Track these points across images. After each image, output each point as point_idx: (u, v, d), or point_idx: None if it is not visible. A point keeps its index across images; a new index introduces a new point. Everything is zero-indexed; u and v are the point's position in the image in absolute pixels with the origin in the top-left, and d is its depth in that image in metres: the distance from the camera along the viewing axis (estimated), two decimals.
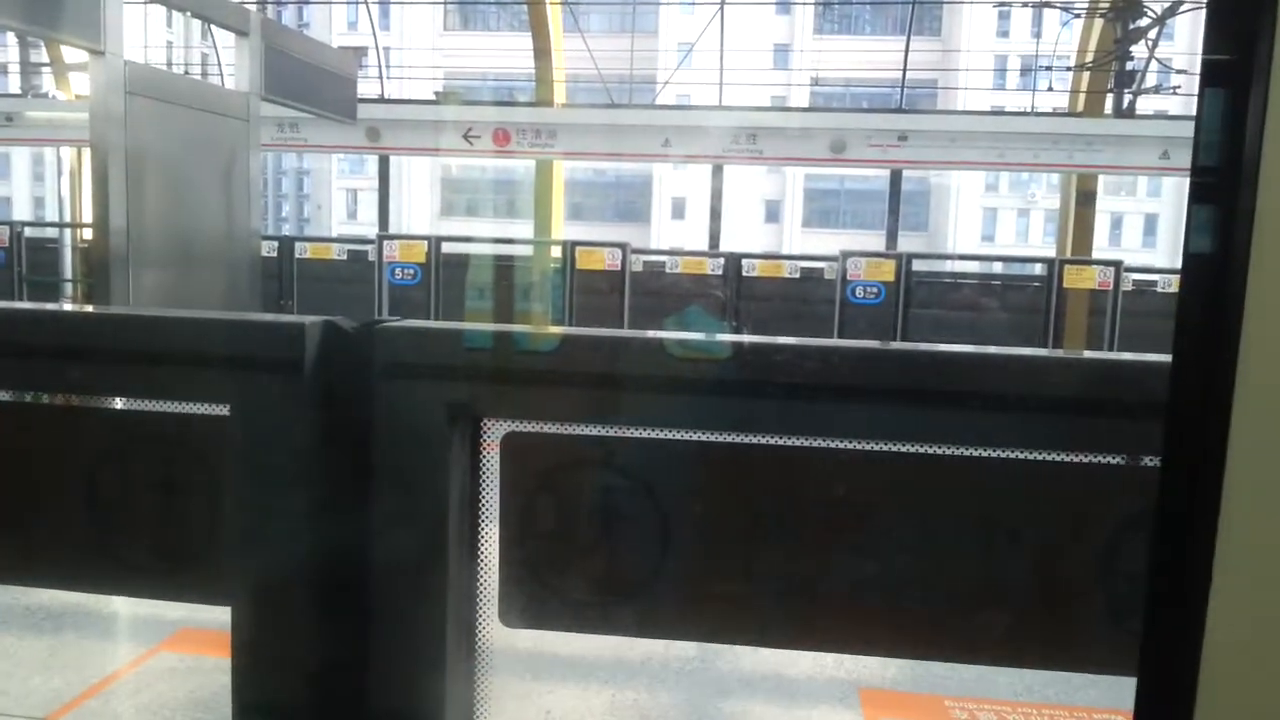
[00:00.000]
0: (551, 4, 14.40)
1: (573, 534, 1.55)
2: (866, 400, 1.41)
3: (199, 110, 5.86)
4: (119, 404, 1.70)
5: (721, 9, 14.70)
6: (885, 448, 1.41)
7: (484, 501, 1.53)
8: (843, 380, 1.43)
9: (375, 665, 1.52)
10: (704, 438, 1.47)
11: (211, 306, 6.27)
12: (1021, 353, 1.57)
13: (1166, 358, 1.08)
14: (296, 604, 1.54)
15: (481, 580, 1.54)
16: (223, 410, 1.52)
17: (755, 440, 1.45)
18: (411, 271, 13.65)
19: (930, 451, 1.40)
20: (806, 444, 1.43)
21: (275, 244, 14.42)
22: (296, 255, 14.28)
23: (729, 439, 1.46)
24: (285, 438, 1.50)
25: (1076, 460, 1.39)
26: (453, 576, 1.50)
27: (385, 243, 13.80)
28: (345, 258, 14.59)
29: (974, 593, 1.46)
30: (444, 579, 1.49)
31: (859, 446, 1.42)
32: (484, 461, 1.52)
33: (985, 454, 1.39)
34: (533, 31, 14.62)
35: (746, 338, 1.54)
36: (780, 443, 1.44)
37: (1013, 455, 1.38)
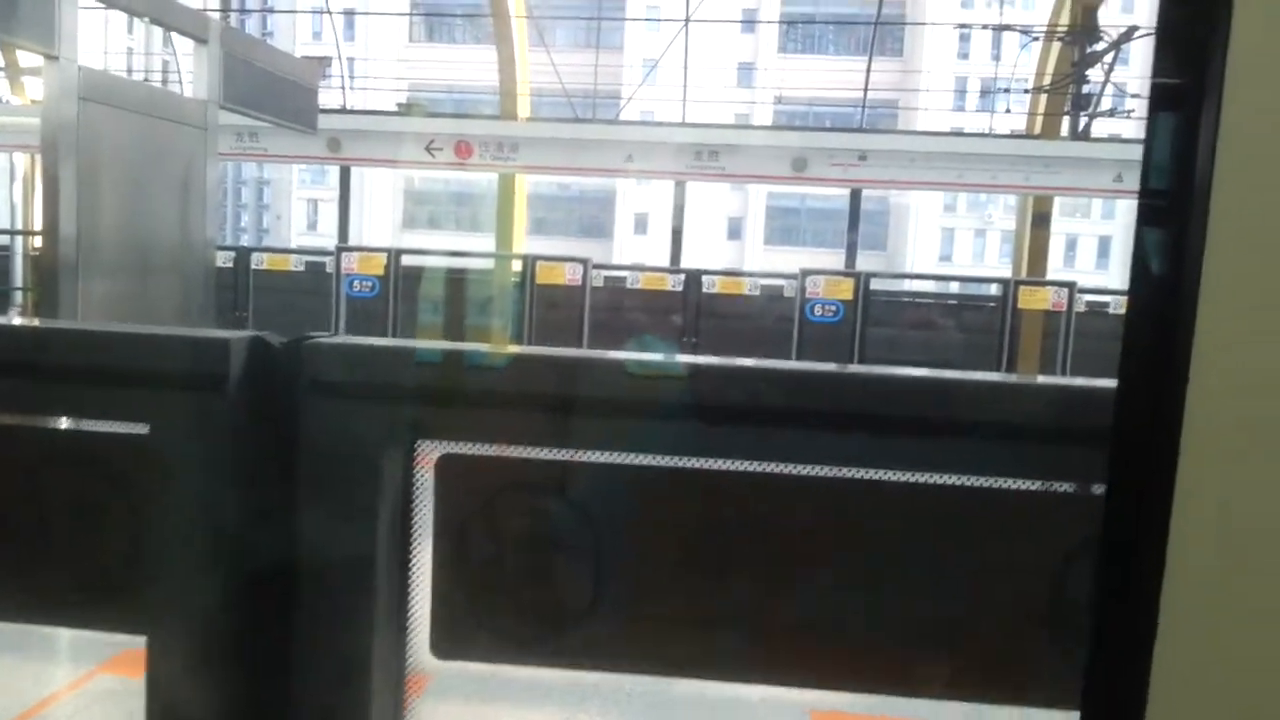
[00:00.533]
0: (517, 18, 14.39)
1: (512, 562, 1.48)
2: (827, 425, 1.37)
3: (155, 117, 5.77)
4: (29, 423, 1.62)
5: (686, 26, 14.78)
6: (843, 474, 1.38)
7: (417, 527, 1.46)
8: (802, 404, 1.39)
9: (297, 699, 1.45)
10: (652, 462, 1.41)
11: (164, 316, 6.16)
12: (973, 377, 1.52)
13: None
14: (215, 634, 1.47)
15: (414, 610, 1.47)
16: (141, 430, 1.44)
17: (703, 465, 1.39)
18: (370, 284, 13.53)
19: (886, 478, 1.38)
20: (758, 470, 1.38)
21: (232, 254, 14.24)
22: (253, 266, 14.10)
23: (677, 464, 1.41)
24: (207, 458, 1.43)
25: (1028, 488, 1.38)
26: (382, 605, 1.43)
27: (344, 255, 13.68)
28: (303, 269, 14.44)
29: (923, 625, 1.44)
30: (373, 608, 1.42)
31: (816, 473, 1.38)
32: (418, 485, 1.45)
33: (939, 480, 1.36)
34: (498, 45, 14.61)
35: (699, 359, 1.48)
36: (730, 468, 1.38)
37: (963, 482, 1.36)
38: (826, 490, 1.40)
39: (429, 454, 1.43)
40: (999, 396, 1.46)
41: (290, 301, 14.06)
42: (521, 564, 1.47)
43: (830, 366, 1.42)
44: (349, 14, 44.21)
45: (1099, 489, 1.31)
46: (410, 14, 46.21)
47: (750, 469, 1.38)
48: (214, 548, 1.44)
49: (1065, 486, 1.34)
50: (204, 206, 6.34)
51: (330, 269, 13.70)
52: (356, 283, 13.58)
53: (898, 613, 1.42)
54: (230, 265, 13.95)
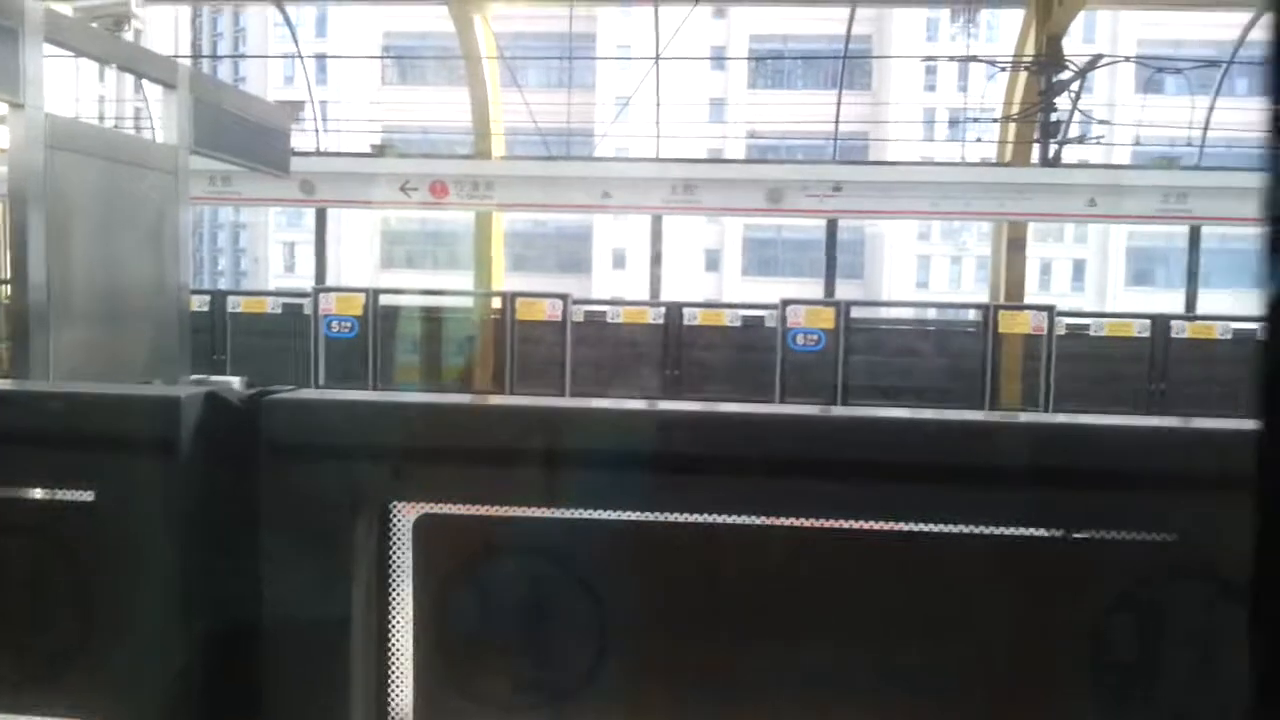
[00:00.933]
0: (488, 59, 14.45)
1: (498, 628, 1.36)
2: (841, 475, 1.26)
3: (124, 164, 5.71)
4: None
5: (657, 64, 14.88)
6: (857, 525, 1.28)
7: (395, 594, 1.34)
8: (812, 453, 1.29)
9: None
10: (647, 518, 1.30)
11: (138, 364, 6.06)
12: (1029, 420, 1.41)
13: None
14: (173, 718, 1.34)
15: (393, 688, 1.34)
16: (87, 496, 1.32)
17: (704, 520, 1.28)
18: (349, 324, 13.43)
19: (908, 529, 1.27)
20: (762, 523, 1.28)
21: (207, 298, 14.13)
22: (229, 309, 13.99)
23: (676, 519, 1.29)
24: (159, 527, 1.31)
25: (1073, 537, 1.28)
26: (356, 684, 1.31)
27: (321, 295, 13.59)
28: (280, 311, 14.33)
29: (961, 683, 1.32)
30: (347, 684, 1.30)
31: (825, 525, 1.27)
32: (395, 551, 1.33)
33: (974, 531, 1.26)
34: (470, 86, 14.65)
35: (697, 406, 1.36)
36: (733, 522, 1.28)
37: (1004, 532, 1.27)
38: (849, 544, 1.28)
39: (405, 515, 1.32)
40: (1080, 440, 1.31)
41: (269, 344, 13.94)
42: (508, 630, 1.36)
43: (839, 411, 1.31)
44: (321, 58, 44.33)
45: (1133, 533, 1.24)
46: (382, 57, 46.41)
47: (754, 522, 1.27)
48: (169, 624, 1.31)
49: (1091, 532, 1.25)
50: (176, 251, 6.26)
51: (308, 310, 13.61)
52: (335, 323, 13.48)
53: (934, 672, 1.29)
54: (206, 309, 13.85)
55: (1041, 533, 1.27)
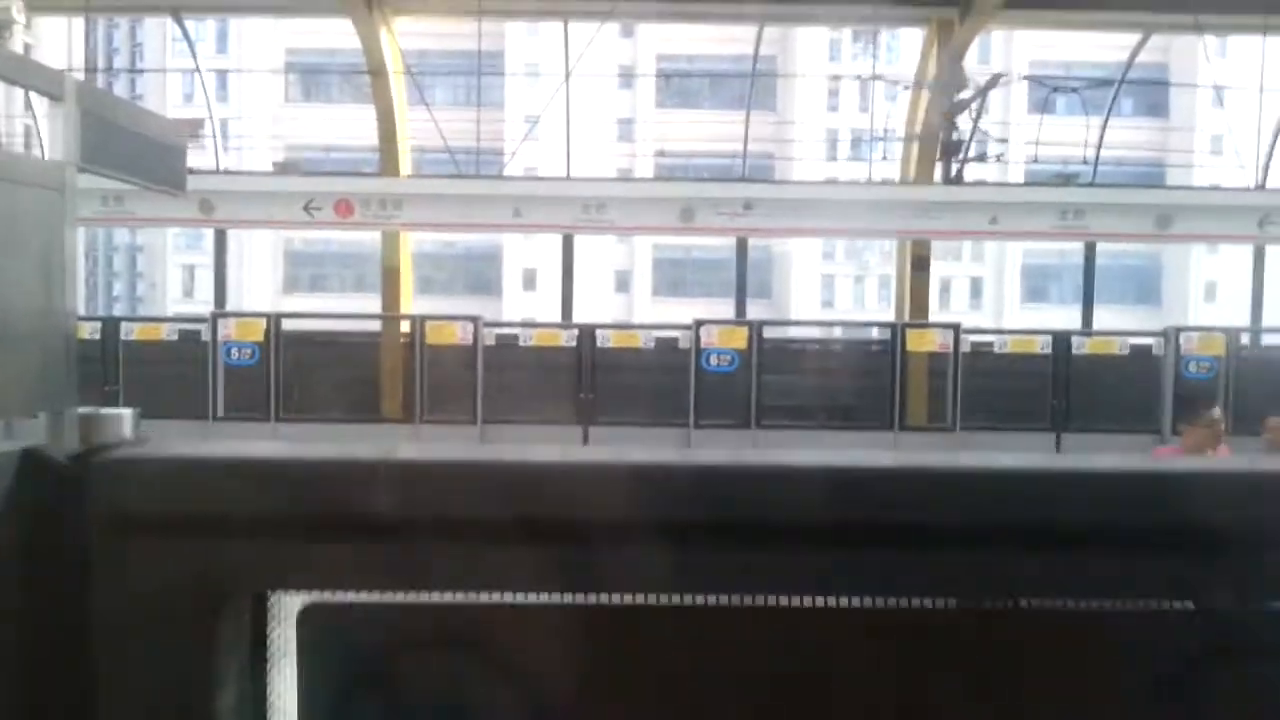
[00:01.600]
0: (395, 74, 14.19)
1: None
2: (856, 541, 1.02)
3: (3, 181, 5.36)
4: None
5: (566, 82, 14.81)
6: (847, 603, 1.04)
7: (274, 706, 1.05)
8: (807, 513, 1.03)
9: None
10: (586, 600, 1.05)
11: (18, 397, 5.69)
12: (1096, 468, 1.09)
13: None
14: None
15: None
16: None
17: (678, 601, 1.04)
18: (249, 351, 12.97)
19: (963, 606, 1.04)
20: (750, 602, 1.04)
21: (98, 325, 13.50)
22: (123, 337, 13.37)
23: (635, 601, 1.05)
24: None
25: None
26: None
27: (220, 321, 13.10)
28: (177, 338, 13.76)
29: None
30: None
31: (821, 604, 1.04)
32: (273, 653, 1.05)
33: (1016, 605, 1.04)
34: (376, 103, 14.35)
35: (659, 457, 1.05)
36: (714, 603, 1.04)
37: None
38: (840, 622, 1.03)
39: (286, 606, 1.04)
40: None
41: (164, 372, 13.37)
42: None
43: (846, 459, 1.04)
44: (221, 73, 43.18)
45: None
46: (285, 73, 45.42)
47: (733, 602, 1.02)
48: None
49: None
50: (63, 274, 5.90)
51: (206, 337, 13.11)
52: (235, 350, 13.01)
53: None
54: (98, 337, 13.23)
55: (1165, 604, 1.05)
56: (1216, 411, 5.67)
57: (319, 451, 1.05)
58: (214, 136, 16.22)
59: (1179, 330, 13.41)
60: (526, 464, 1.05)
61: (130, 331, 13.52)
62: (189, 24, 16.64)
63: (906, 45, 37.57)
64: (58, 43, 39.42)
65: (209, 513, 1.02)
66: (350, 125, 34.58)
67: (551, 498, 1.03)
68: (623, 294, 46.11)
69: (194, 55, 17.18)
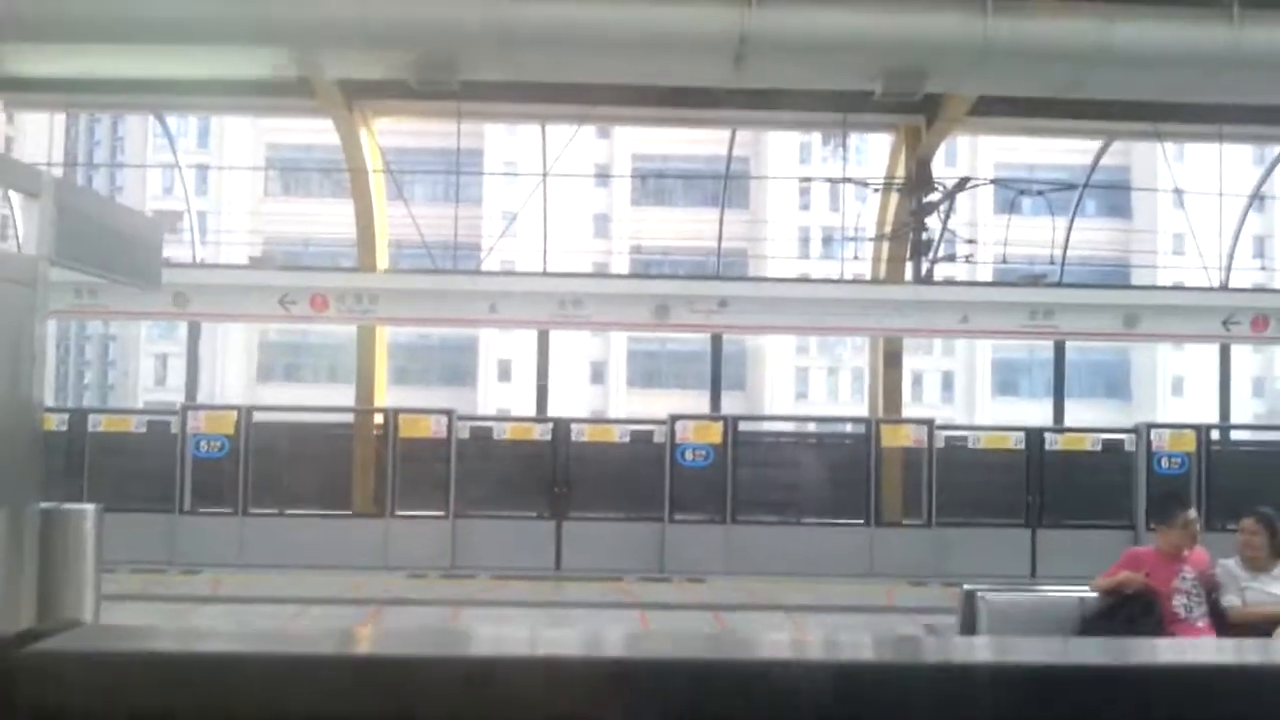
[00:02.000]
0: (374, 172, 14.36)
1: None
2: None
3: None
4: None
5: (544, 180, 15.04)
6: None
7: None
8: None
9: None
10: None
11: None
12: None
13: None
14: None
15: None
16: None
17: None
18: (219, 444, 12.81)
19: None
20: None
21: (66, 416, 13.31)
22: (91, 428, 13.18)
23: None
24: None
25: None
26: None
27: (189, 413, 12.95)
28: (145, 430, 13.57)
29: None
30: None
31: None
32: None
33: None
34: (354, 198, 14.49)
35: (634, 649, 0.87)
36: None
37: None
38: None
39: None
40: None
41: (132, 465, 13.16)
42: None
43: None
44: (202, 168, 43.58)
45: None
46: (265, 169, 45.91)
47: None
48: None
49: None
50: (31, 367, 5.84)
51: (176, 429, 12.95)
52: (204, 443, 12.84)
53: None
54: (65, 428, 13.03)
55: None
56: (1192, 513, 5.67)
57: (264, 643, 0.93)
58: (192, 230, 16.28)
59: (1150, 426, 13.54)
60: (486, 660, 0.94)
61: (99, 423, 13.34)
62: (171, 120, 16.86)
63: (875, 147, 38.62)
64: (39, 135, 39.79)
65: (163, 705, 0.90)
66: (329, 219, 34.89)
67: (519, 700, 0.90)
68: (598, 385, 46.14)
69: (174, 152, 17.35)
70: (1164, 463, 13.22)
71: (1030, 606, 5.63)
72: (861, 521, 13.07)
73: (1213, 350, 15.68)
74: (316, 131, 22.29)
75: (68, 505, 6.16)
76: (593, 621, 10.20)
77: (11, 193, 9.49)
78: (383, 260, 14.54)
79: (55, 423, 12.76)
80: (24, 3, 9.31)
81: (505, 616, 10.35)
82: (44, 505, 5.96)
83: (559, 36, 9.56)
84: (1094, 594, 5.57)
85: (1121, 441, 13.66)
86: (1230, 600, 5.46)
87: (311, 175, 43.67)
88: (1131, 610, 5.42)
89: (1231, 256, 15.65)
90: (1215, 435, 13.83)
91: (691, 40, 9.56)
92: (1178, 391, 44.03)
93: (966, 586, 5.70)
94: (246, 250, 31.11)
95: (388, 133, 15.53)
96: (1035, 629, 5.47)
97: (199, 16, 9.39)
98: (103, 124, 52.26)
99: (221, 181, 42.50)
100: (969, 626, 5.61)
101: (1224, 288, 15.45)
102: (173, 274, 11.96)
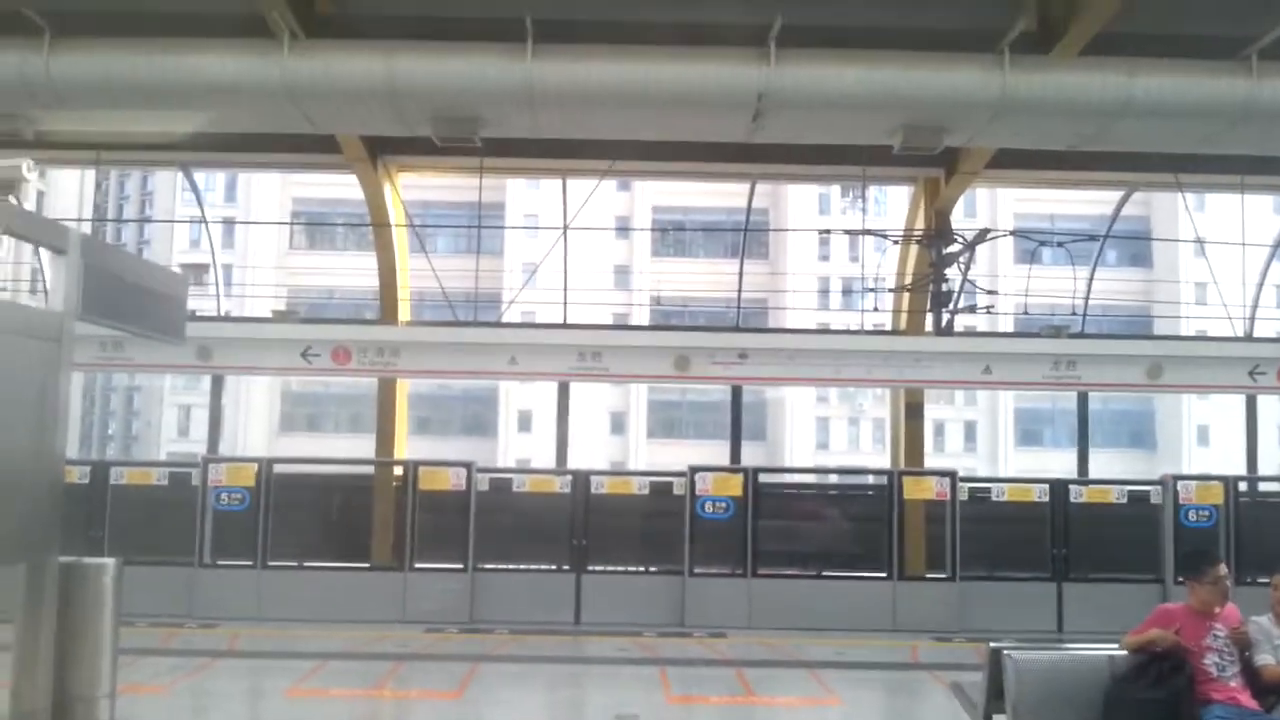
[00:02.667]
0: (397, 226, 14.52)
1: None
2: None
3: (2, 331, 5.40)
4: None
5: (565, 233, 15.16)
6: None
7: None
8: None
9: None
10: None
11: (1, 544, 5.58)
12: None
13: None
14: None
15: None
16: None
17: None
18: (239, 496, 12.84)
19: None
20: None
21: (88, 469, 13.39)
22: (112, 481, 13.25)
23: None
24: None
25: None
26: None
27: (210, 466, 13.00)
28: (167, 482, 13.63)
29: None
30: None
31: None
32: None
33: None
34: (378, 251, 14.65)
35: None
36: None
37: None
38: None
39: None
40: None
41: (153, 517, 13.20)
42: None
43: None
44: (228, 222, 44.26)
45: None
46: (290, 223, 46.53)
47: None
48: None
49: None
50: (55, 421, 5.88)
51: (196, 481, 12.99)
52: (224, 495, 12.88)
53: None
54: (87, 480, 13.10)
55: None
56: (1222, 568, 5.56)
57: None
58: (217, 282, 16.49)
59: (1176, 478, 13.35)
60: None
61: (120, 476, 13.41)
62: (199, 175, 17.16)
63: (894, 196, 38.78)
64: (69, 189, 40.56)
65: None
66: (353, 271, 35.26)
67: None
68: (618, 435, 46.07)
69: (201, 207, 17.64)
70: (1191, 515, 13.02)
71: (1058, 665, 5.52)
72: (884, 575, 12.91)
73: (1239, 400, 15.51)
74: (341, 185, 22.60)
75: (88, 560, 6.17)
76: (613, 679, 10.08)
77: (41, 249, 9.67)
78: (405, 312, 14.65)
79: (77, 475, 12.86)
80: (57, 66, 9.55)
81: (524, 675, 10.24)
82: (64, 559, 5.97)
83: (580, 95, 9.67)
84: (1123, 652, 5.46)
85: (1147, 493, 13.46)
86: (1264, 659, 5.34)
87: (335, 228, 44.23)
88: (1162, 669, 5.31)
89: (1255, 306, 15.55)
90: (1243, 487, 13.61)
91: (710, 98, 9.64)
92: (1203, 441, 43.49)
93: (993, 644, 5.60)
94: (271, 303, 31.51)
95: (411, 186, 15.73)
96: (1064, 688, 5.36)
97: (231, 80, 9.59)
98: (132, 179, 53.31)
99: (247, 235, 43.08)
100: (996, 685, 5.50)
101: (1249, 338, 15.32)
102: (197, 328, 12.09)
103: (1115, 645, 5.53)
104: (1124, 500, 13.46)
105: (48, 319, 5.79)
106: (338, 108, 10.06)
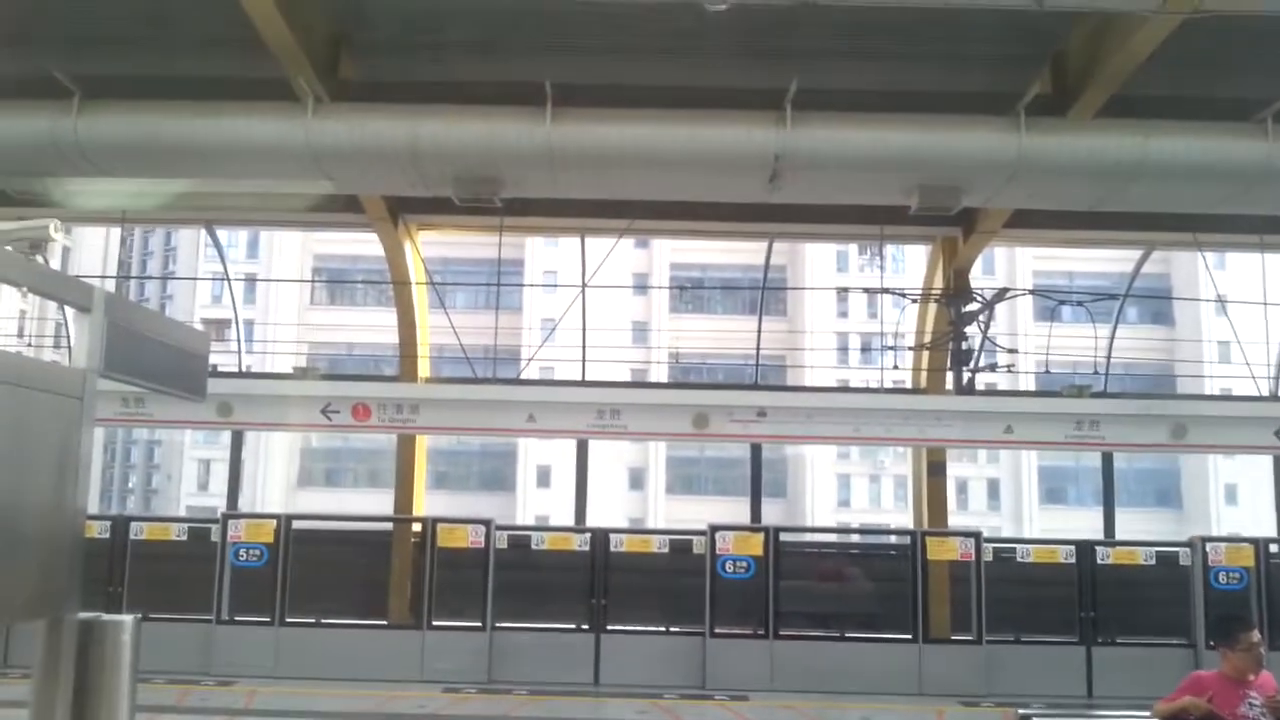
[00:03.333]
0: (416, 284, 14.65)
1: None
2: None
3: (24, 388, 5.45)
4: None
5: (583, 291, 15.25)
6: None
7: None
8: None
9: None
10: None
11: (20, 600, 5.57)
12: None
13: None
14: None
15: None
16: None
17: None
18: (258, 552, 12.83)
19: None
20: None
21: (108, 524, 13.42)
22: (132, 536, 13.28)
23: None
24: None
25: None
26: None
27: (230, 521, 13.01)
28: (186, 538, 13.63)
29: None
30: None
31: None
32: None
33: None
34: (397, 308, 14.77)
35: None
36: None
37: None
38: None
39: None
40: None
41: (171, 572, 13.20)
42: None
43: None
44: (250, 279, 44.80)
45: None
46: (312, 280, 47.08)
47: None
48: None
49: None
50: (75, 477, 5.90)
51: (215, 537, 12.99)
52: (243, 551, 12.86)
53: None
54: (106, 535, 13.13)
55: None
56: (1255, 634, 5.45)
57: None
58: (239, 338, 16.64)
59: (1205, 540, 13.12)
60: None
61: (140, 531, 13.43)
62: (222, 232, 17.41)
63: (912, 254, 38.87)
64: (95, 244, 41.28)
65: None
66: (372, 327, 35.54)
67: None
68: (637, 491, 45.90)
69: (224, 263, 17.85)
70: (1221, 578, 12.77)
71: None
72: (909, 637, 12.68)
73: (1266, 459, 15.29)
74: (362, 241, 22.88)
75: (106, 617, 6.14)
76: None
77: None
78: (424, 368, 14.72)
79: (97, 530, 12.89)
80: (85, 129, 9.76)
81: None
82: (82, 616, 5.95)
83: (598, 157, 9.79)
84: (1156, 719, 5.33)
85: (1176, 555, 13.23)
86: None
87: (356, 285, 44.69)
88: None
89: (1279, 365, 15.40)
90: (1274, 549, 13.36)
91: (727, 159, 9.73)
92: (1231, 499, 42.87)
93: (1021, 710, 5.50)
94: (291, 359, 31.77)
95: (431, 242, 15.90)
96: None
97: (257, 144, 9.78)
98: (156, 235, 54.22)
99: (269, 291, 43.63)
100: None
101: (1274, 397, 15.15)
102: (218, 383, 12.18)
103: (1147, 713, 5.41)
104: (1152, 561, 13.23)
105: (71, 376, 5.83)
106: (361, 169, 10.21)
